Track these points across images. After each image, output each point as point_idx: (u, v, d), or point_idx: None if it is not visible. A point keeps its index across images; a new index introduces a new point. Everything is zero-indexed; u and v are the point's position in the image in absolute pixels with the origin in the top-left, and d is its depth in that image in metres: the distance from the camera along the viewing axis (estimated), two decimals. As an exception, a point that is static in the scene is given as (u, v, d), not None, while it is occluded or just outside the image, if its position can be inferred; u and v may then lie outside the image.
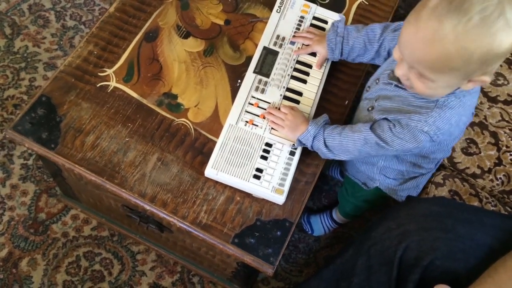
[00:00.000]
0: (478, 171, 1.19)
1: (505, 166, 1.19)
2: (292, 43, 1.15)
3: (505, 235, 0.91)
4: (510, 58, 1.33)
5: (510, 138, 1.22)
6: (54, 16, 1.73)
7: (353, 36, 1.07)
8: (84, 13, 1.74)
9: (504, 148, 1.21)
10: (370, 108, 1.00)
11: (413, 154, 1.04)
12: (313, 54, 1.14)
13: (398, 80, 0.93)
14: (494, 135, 1.22)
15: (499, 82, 1.28)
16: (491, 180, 1.19)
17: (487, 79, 0.80)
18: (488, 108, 1.25)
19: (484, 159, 1.20)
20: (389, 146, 0.93)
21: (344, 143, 0.97)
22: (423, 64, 0.80)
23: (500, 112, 1.25)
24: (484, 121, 1.24)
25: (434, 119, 0.87)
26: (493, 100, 1.26)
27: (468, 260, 0.88)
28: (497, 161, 1.20)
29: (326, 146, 0.99)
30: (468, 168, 1.20)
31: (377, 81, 1.01)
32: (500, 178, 1.18)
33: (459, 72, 0.79)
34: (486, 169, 1.19)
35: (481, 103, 1.26)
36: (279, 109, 1.06)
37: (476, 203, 1.16)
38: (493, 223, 0.94)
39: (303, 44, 1.15)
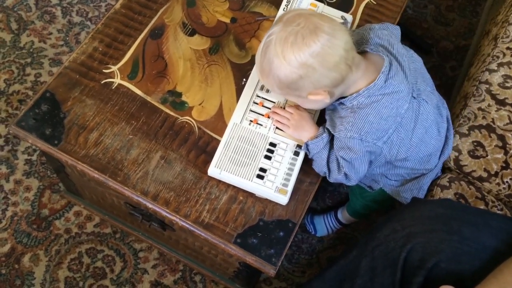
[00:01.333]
0: (484, 174, 1.18)
1: (512, 169, 1.18)
2: None
3: (510, 237, 0.90)
4: (519, 60, 1.31)
5: (517, 142, 1.20)
6: (61, 11, 1.72)
7: None
8: (90, 9, 1.74)
9: (511, 151, 1.19)
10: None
11: (399, 160, 1.04)
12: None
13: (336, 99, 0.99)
14: (501, 138, 1.20)
15: (508, 85, 1.27)
16: (498, 184, 1.17)
17: (318, 97, 0.93)
18: (496, 111, 1.23)
19: (491, 162, 1.19)
20: (342, 168, 0.99)
21: (335, 164, 1.00)
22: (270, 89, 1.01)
23: (508, 115, 1.23)
24: (491, 123, 1.22)
25: (351, 123, 0.94)
26: (501, 103, 1.24)
27: (473, 263, 0.87)
28: (504, 165, 1.18)
29: (328, 158, 1.01)
30: (474, 171, 1.18)
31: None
32: (507, 181, 1.17)
33: (288, 95, 0.99)
34: (492, 172, 1.18)
35: (488, 105, 1.24)
36: (284, 108, 1.05)
37: (482, 207, 1.14)
38: (499, 225, 0.93)
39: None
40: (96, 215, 1.42)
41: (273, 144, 1.02)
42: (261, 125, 1.04)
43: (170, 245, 1.34)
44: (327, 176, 1.03)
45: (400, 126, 0.97)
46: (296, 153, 1.02)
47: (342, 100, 0.97)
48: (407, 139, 1.01)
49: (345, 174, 0.99)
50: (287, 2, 1.19)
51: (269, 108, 1.06)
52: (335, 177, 1.01)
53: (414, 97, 0.99)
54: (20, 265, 1.35)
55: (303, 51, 0.87)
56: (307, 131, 1.02)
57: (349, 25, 1.18)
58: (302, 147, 1.02)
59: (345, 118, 0.96)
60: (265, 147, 1.02)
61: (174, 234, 1.19)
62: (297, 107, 1.04)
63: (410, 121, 0.99)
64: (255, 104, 1.06)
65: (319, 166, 1.01)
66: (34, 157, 1.48)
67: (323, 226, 1.46)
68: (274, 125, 1.04)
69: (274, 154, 1.01)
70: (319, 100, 0.95)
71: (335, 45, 0.88)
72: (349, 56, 0.90)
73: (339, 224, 1.45)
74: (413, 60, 1.04)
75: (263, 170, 1.00)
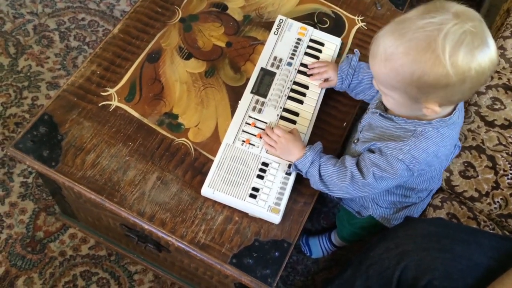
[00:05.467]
0: (475, 195, 1.20)
1: (502, 189, 1.20)
2: (289, 64, 1.17)
3: (502, 255, 0.91)
4: (507, 83, 1.35)
5: (507, 162, 1.22)
6: (58, 36, 1.75)
7: (364, 71, 1.10)
8: (88, 34, 1.77)
9: (501, 172, 1.22)
10: (355, 141, 1.01)
11: (400, 187, 1.03)
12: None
13: (383, 109, 0.96)
14: (491, 158, 1.23)
15: (496, 107, 1.30)
16: (489, 204, 1.19)
17: (435, 108, 0.82)
18: (485, 132, 1.26)
19: (482, 183, 1.21)
20: (367, 179, 0.92)
21: (335, 176, 0.96)
22: (377, 79, 0.86)
23: (497, 136, 1.26)
24: (481, 144, 1.25)
25: (409, 147, 0.88)
26: (490, 124, 1.27)
27: (465, 280, 0.88)
28: (494, 185, 1.20)
29: (319, 174, 0.98)
30: (466, 191, 1.20)
31: (367, 110, 1.03)
32: (498, 201, 1.19)
33: (403, 92, 0.83)
34: (483, 192, 1.20)
35: (478, 127, 1.27)
36: (274, 129, 1.06)
37: (474, 226, 1.16)
38: (490, 243, 0.94)
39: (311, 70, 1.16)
40: (91, 237, 1.42)
41: (265, 164, 1.04)
42: (253, 145, 1.05)
43: (165, 267, 1.34)
44: (330, 192, 0.99)
45: (439, 165, 0.97)
46: (288, 173, 1.03)
47: (396, 119, 0.92)
48: (432, 178, 1.02)
49: (358, 184, 0.94)
50: (277, 26, 1.22)
51: (261, 129, 1.07)
52: (339, 189, 0.97)
53: None
54: (14, 288, 1.35)
55: (473, 60, 0.75)
56: (294, 154, 1.01)
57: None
58: (291, 168, 1.02)
59: (402, 139, 0.89)
60: (257, 166, 1.03)
61: (170, 255, 1.19)
62: (288, 130, 1.05)
63: (442, 164, 1.01)
64: (248, 125, 1.08)
65: (315, 184, 1.01)
66: (29, 180, 1.49)
67: (318, 248, 1.46)
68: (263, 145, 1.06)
69: (267, 173, 1.03)
70: (421, 110, 0.84)
71: (492, 66, 0.78)
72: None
73: (333, 247, 1.45)
74: None
75: (255, 189, 1.01)
